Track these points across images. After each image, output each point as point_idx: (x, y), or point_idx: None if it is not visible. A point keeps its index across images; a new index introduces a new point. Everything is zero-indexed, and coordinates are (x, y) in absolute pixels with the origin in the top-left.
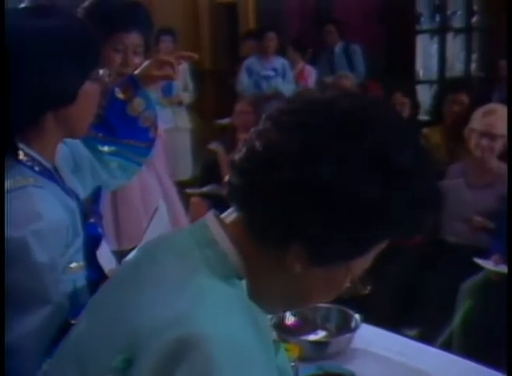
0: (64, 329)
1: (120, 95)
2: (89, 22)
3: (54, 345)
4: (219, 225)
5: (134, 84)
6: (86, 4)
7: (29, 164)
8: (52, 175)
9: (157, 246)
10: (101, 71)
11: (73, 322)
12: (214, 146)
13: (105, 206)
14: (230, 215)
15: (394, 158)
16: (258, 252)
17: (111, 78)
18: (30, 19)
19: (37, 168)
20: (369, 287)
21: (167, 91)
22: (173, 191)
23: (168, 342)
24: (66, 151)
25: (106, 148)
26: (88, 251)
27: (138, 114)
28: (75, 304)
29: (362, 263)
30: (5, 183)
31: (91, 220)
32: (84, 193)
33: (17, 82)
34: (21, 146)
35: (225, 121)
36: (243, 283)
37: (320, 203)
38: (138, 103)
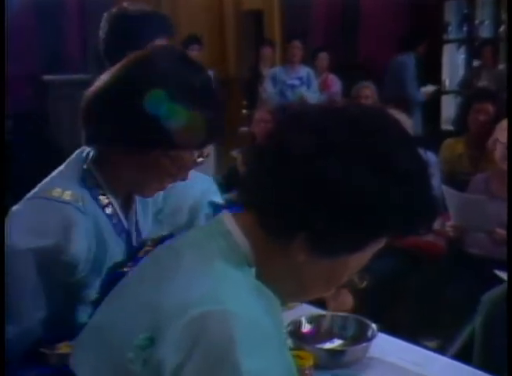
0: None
1: None
2: (113, 36)
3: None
4: (233, 219)
5: None
6: (107, 19)
7: (92, 190)
8: (110, 207)
9: (178, 241)
10: None
11: None
12: (236, 153)
13: None
14: (242, 212)
15: (393, 160)
16: (267, 242)
17: None
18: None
19: (96, 194)
20: (365, 282)
21: None
22: None
23: (191, 319)
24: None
25: None
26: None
27: None
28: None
29: (360, 259)
30: (55, 191)
31: (125, 269)
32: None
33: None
34: (95, 174)
35: (246, 128)
36: (253, 270)
37: (325, 198)
38: None
